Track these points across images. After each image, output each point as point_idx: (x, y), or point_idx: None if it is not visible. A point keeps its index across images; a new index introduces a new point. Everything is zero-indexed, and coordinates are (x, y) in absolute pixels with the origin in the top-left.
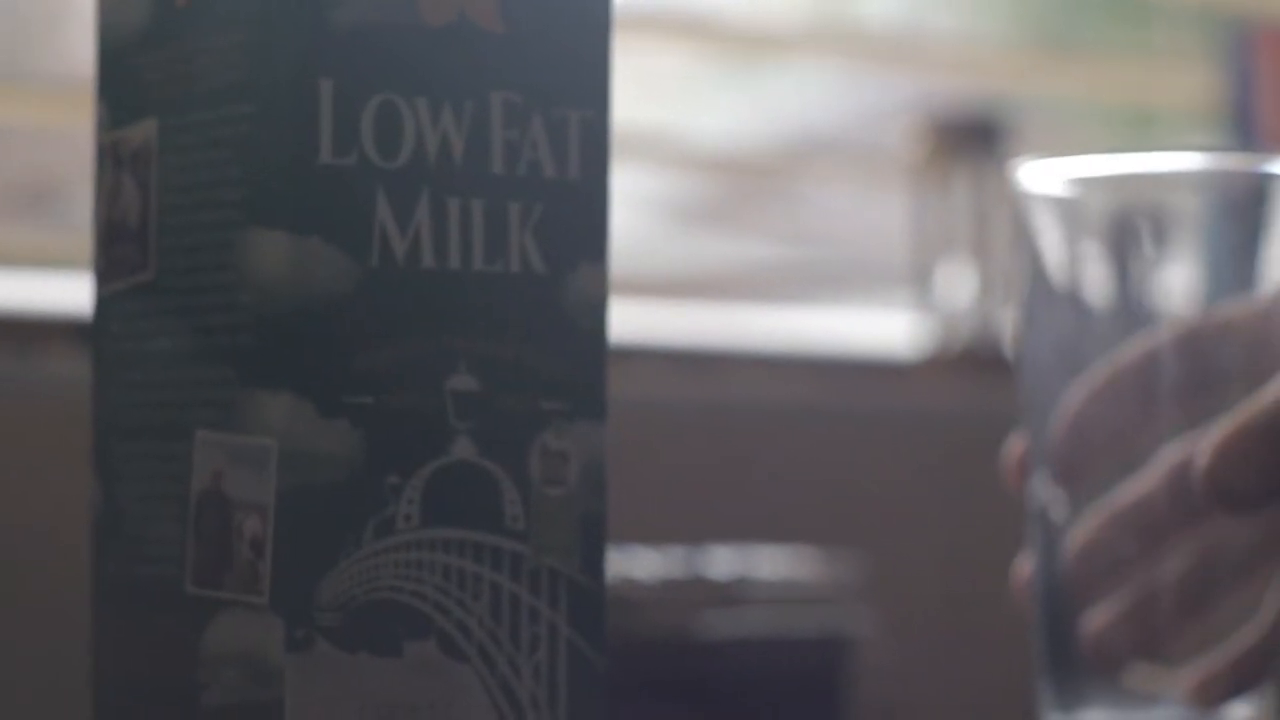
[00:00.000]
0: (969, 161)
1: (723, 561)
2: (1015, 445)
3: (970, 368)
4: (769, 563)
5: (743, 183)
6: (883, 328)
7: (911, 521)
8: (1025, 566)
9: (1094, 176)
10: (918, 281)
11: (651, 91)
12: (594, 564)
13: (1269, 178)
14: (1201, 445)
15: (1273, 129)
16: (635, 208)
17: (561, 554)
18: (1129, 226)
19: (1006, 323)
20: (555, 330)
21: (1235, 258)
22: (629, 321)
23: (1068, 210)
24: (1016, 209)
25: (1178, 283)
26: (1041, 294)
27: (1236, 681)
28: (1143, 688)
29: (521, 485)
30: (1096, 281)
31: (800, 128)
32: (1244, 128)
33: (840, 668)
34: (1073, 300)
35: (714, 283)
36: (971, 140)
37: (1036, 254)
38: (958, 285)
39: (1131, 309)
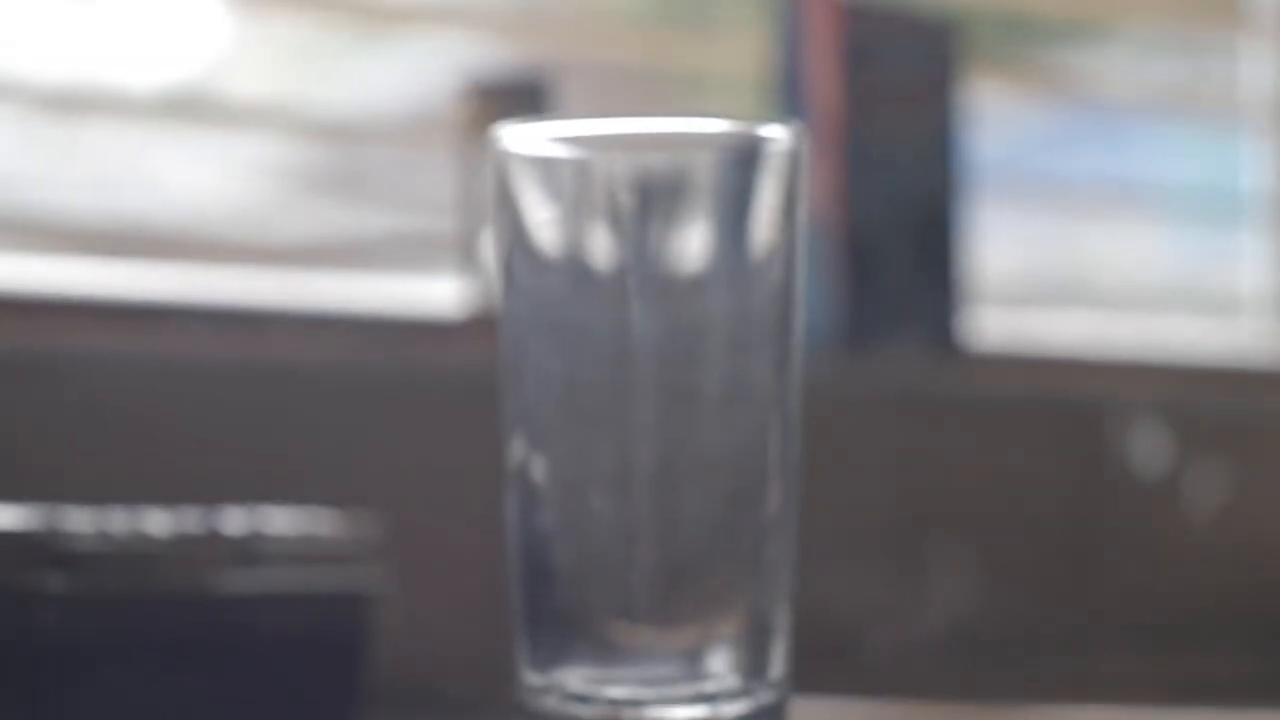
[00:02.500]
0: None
1: (239, 519)
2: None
3: None
4: (288, 520)
5: (367, 152)
6: (443, 290)
7: (448, 480)
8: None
9: (572, 137)
10: (463, 244)
11: (274, 60)
12: None
13: (758, 141)
14: None
15: (821, 96)
16: (255, 175)
17: None
18: (609, 188)
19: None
20: None
21: (724, 220)
22: (185, 283)
23: (545, 171)
24: (496, 170)
25: (660, 244)
26: (520, 254)
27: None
28: (623, 644)
29: None
30: (573, 242)
31: (422, 98)
32: (793, 95)
33: (358, 624)
34: (549, 261)
35: (316, 250)
36: (514, 104)
37: (515, 214)
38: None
39: (609, 270)
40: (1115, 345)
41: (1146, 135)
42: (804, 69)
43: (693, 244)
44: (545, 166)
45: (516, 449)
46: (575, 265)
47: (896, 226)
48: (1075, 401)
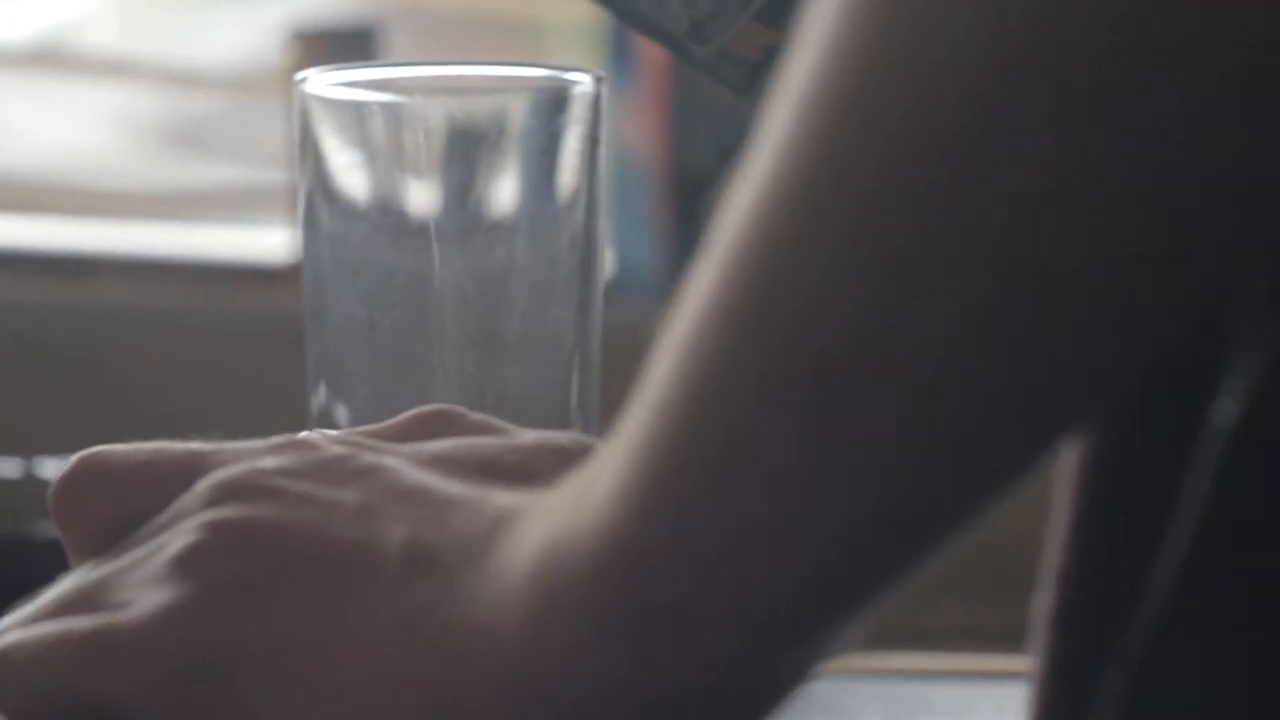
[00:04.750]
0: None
1: (59, 467)
2: None
3: None
4: None
5: (234, 102)
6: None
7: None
8: None
9: (375, 81)
10: (290, 190)
11: (137, 12)
12: None
13: (561, 86)
14: None
15: (649, 47)
16: (117, 127)
17: None
18: (412, 132)
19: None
20: None
21: (527, 165)
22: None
23: (347, 115)
24: (300, 114)
25: (463, 189)
26: (321, 199)
27: None
28: None
29: None
30: (374, 187)
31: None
32: (622, 44)
33: None
34: (351, 206)
35: (156, 200)
36: (342, 51)
37: (317, 159)
38: None
39: (411, 215)
40: None
41: None
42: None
43: (496, 189)
44: (347, 110)
45: (319, 396)
46: (376, 211)
47: (723, 172)
48: None
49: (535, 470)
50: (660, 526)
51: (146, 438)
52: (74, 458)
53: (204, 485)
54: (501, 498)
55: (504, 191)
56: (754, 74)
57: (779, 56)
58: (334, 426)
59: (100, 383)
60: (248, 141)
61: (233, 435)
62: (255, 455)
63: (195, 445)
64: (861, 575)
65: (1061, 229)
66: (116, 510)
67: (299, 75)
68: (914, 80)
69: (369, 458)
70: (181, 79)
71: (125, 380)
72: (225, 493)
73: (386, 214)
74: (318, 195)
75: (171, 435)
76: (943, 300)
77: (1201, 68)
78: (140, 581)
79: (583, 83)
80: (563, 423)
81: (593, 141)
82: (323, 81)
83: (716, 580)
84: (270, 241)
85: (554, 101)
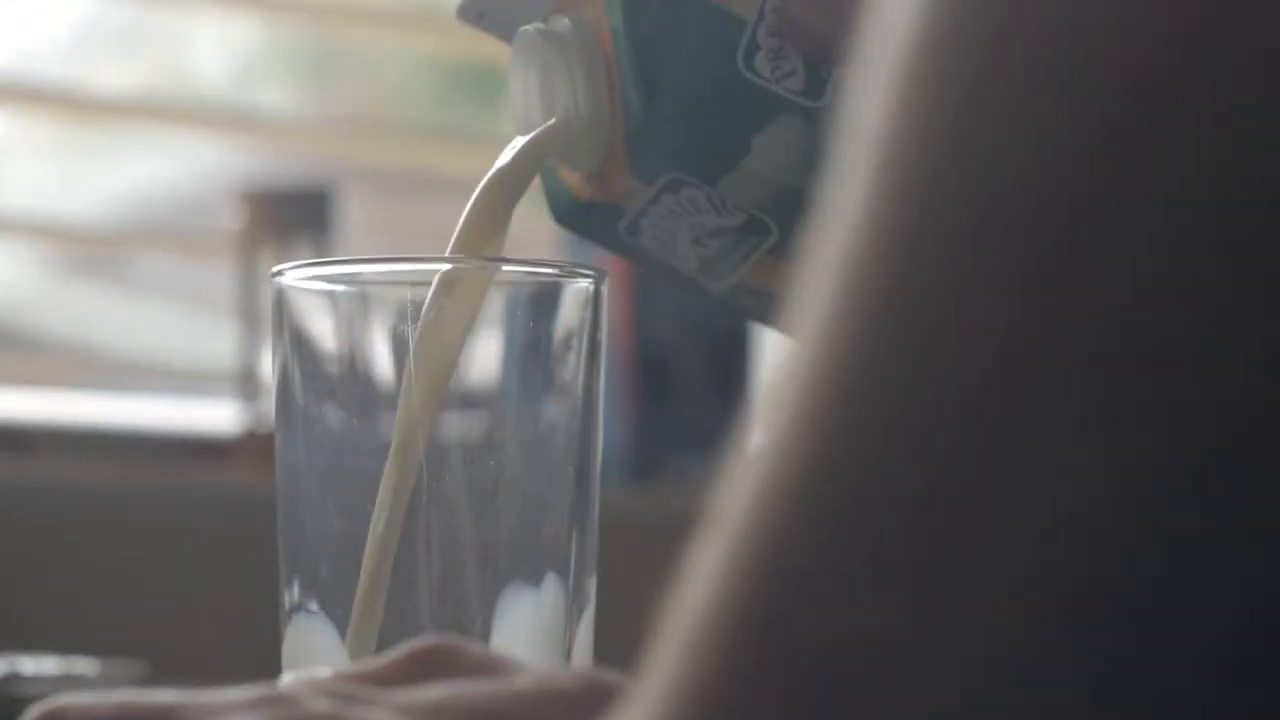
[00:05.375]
0: (290, 236)
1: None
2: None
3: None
4: (47, 665)
5: (72, 254)
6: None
7: (214, 610)
8: None
9: (357, 274)
10: (241, 357)
11: (39, 159)
12: None
13: (561, 286)
14: None
15: None
16: (26, 276)
17: None
18: (376, 320)
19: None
20: None
21: (526, 368)
22: None
23: (331, 309)
24: (275, 308)
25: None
26: (296, 396)
27: None
28: None
29: None
30: (356, 389)
31: (136, 199)
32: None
33: None
34: (330, 409)
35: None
36: (295, 213)
37: (294, 356)
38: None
39: (378, 399)
40: None
41: None
42: None
43: (486, 393)
44: (333, 303)
45: (292, 593)
46: (357, 413)
47: (687, 348)
48: None
49: (542, 717)
50: None
51: (84, 616)
52: (32, 712)
53: None
54: None
55: (494, 395)
56: (778, 305)
57: None
58: (306, 622)
59: (38, 561)
60: (180, 295)
61: (180, 612)
62: (230, 712)
63: (163, 698)
64: None
65: None
66: None
67: (277, 268)
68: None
69: (356, 714)
70: (103, 231)
71: (66, 559)
72: None
73: (368, 417)
74: (294, 391)
75: (109, 615)
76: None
77: None
78: None
79: (580, 281)
80: (554, 644)
81: (592, 345)
82: (303, 274)
83: None
84: (218, 414)
85: (549, 299)
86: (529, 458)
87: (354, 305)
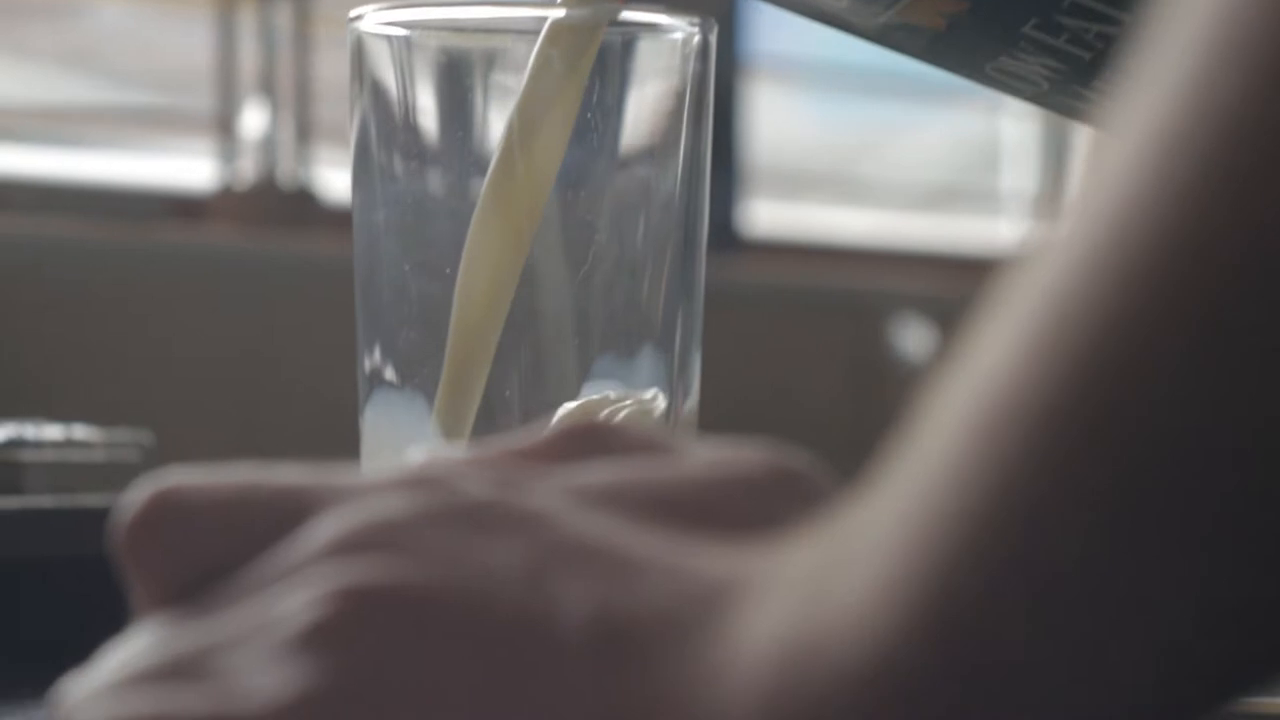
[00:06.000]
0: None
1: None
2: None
3: (269, 205)
4: (50, 432)
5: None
6: (187, 166)
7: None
8: None
9: (449, 19)
10: (220, 117)
11: None
12: None
13: (658, 34)
14: None
15: None
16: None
17: None
18: (465, 72)
19: (322, 163)
20: None
21: (620, 116)
22: None
23: (404, 52)
24: (354, 55)
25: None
26: (376, 150)
27: None
28: None
29: None
30: (433, 127)
31: None
32: None
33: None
34: (412, 161)
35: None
36: None
37: (373, 96)
38: (264, 122)
39: (468, 156)
40: (886, 238)
41: None
42: None
43: (585, 148)
44: (417, 53)
45: (373, 358)
46: (441, 163)
47: None
48: (848, 292)
49: (725, 512)
50: (950, 646)
51: (78, 383)
52: (145, 492)
53: (322, 534)
54: (701, 559)
55: (593, 154)
56: (935, 42)
57: (964, 25)
58: (384, 385)
59: (11, 320)
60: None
61: (177, 381)
62: (377, 494)
63: (293, 478)
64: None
65: None
66: (203, 556)
67: (354, 12)
68: None
69: (524, 501)
70: None
71: (42, 316)
72: (351, 545)
73: (458, 178)
74: (373, 144)
75: (105, 385)
76: None
77: None
78: (257, 657)
79: (688, 31)
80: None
81: (698, 101)
82: (385, 18)
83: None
84: (195, 169)
85: (656, 51)
86: (630, 224)
87: (444, 55)
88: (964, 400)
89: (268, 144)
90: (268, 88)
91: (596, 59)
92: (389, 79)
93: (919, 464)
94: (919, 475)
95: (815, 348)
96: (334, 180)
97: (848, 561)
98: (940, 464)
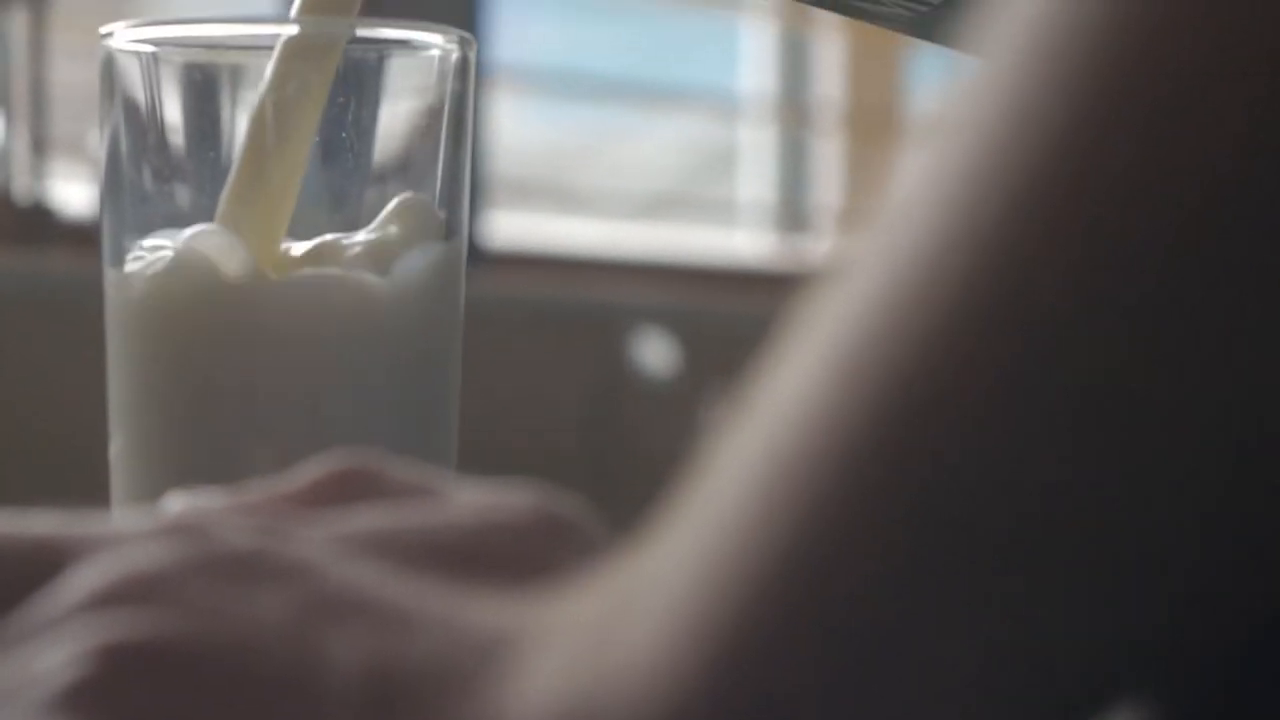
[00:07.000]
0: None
1: None
2: None
3: (3, 221)
4: None
5: None
6: None
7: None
8: None
9: (181, 36)
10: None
11: None
12: None
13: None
14: None
15: None
16: None
17: None
18: (215, 89)
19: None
20: None
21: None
22: None
23: (153, 68)
24: (106, 68)
25: None
26: (129, 153)
27: None
28: None
29: None
30: (181, 143)
31: None
32: None
33: None
34: (160, 162)
35: None
36: None
37: (124, 112)
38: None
39: (219, 172)
40: (623, 249)
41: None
42: None
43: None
44: (149, 63)
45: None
46: (180, 163)
47: None
48: (586, 305)
49: (495, 559)
50: (742, 692)
51: None
52: None
53: (79, 587)
54: (475, 610)
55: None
56: (929, 15)
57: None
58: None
59: None
60: None
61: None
62: (136, 544)
63: (42, 527)
64: None
65: None
66: None
67: (105, 29)
68: None
69: (288, 550)
70: None
71: None
72: (111, 598)
73: (207, 194)
74: (124, 160)
75: None
76: None
77: None
78: (17, 718)
79: (446, 48)
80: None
81: (457, 122)
82: (131, 35)
83: None
84: None
85: (408, 69)
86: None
87: (194, 71)
88: (755, 440)
89: (1, 157)
90: (2, 98)
91: (352, 77)
92: (139, 95)
93: (708, 507)
94: (709, 519)
95: (554, 361)
96: (71, 194)
97: (632, 609)
98: (731, 507)
